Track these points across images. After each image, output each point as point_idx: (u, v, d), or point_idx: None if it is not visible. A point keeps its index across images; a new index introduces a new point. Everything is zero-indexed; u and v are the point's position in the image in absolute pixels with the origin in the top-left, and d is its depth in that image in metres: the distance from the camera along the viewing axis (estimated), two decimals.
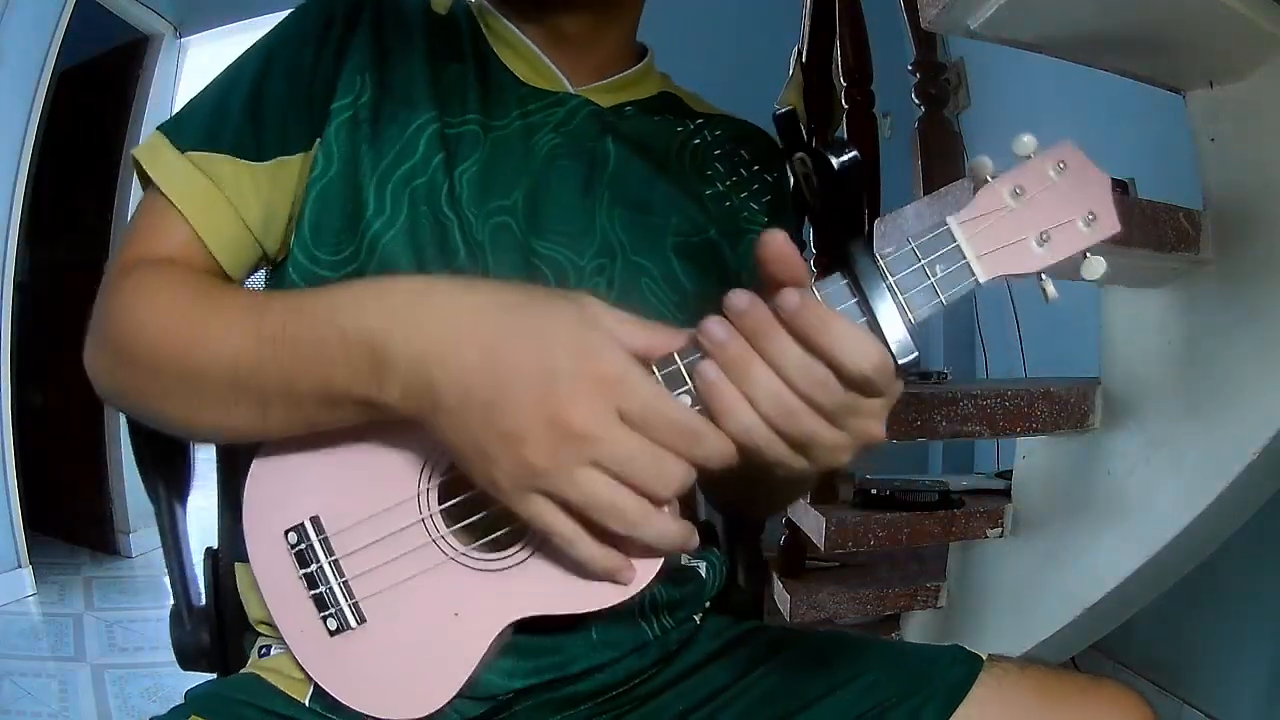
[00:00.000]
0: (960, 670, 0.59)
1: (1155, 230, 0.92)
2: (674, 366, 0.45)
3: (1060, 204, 0.45)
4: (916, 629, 1.44)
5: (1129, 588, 1.05)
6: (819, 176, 0.44)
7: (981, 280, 0.45)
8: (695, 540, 0.47)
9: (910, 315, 0.45)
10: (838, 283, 0.45)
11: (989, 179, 0.46)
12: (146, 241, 0.59)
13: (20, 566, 2.69)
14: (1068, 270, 0.46)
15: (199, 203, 0.58)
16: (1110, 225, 0.46)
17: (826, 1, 1.71)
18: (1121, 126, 1.86)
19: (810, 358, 0.42)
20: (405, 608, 0.53)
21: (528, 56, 0.66)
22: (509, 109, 0.64)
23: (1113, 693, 0.58)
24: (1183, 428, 0.97)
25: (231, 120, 0.59)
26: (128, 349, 0.54)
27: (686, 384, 0.45)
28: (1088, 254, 0.46)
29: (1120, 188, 1.11)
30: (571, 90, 0.66)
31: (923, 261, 0.45)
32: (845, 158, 0.43)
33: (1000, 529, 1.23)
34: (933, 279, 0.45)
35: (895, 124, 2.78)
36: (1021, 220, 0.45)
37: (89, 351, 0.56)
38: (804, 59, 1.92)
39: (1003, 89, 2.60)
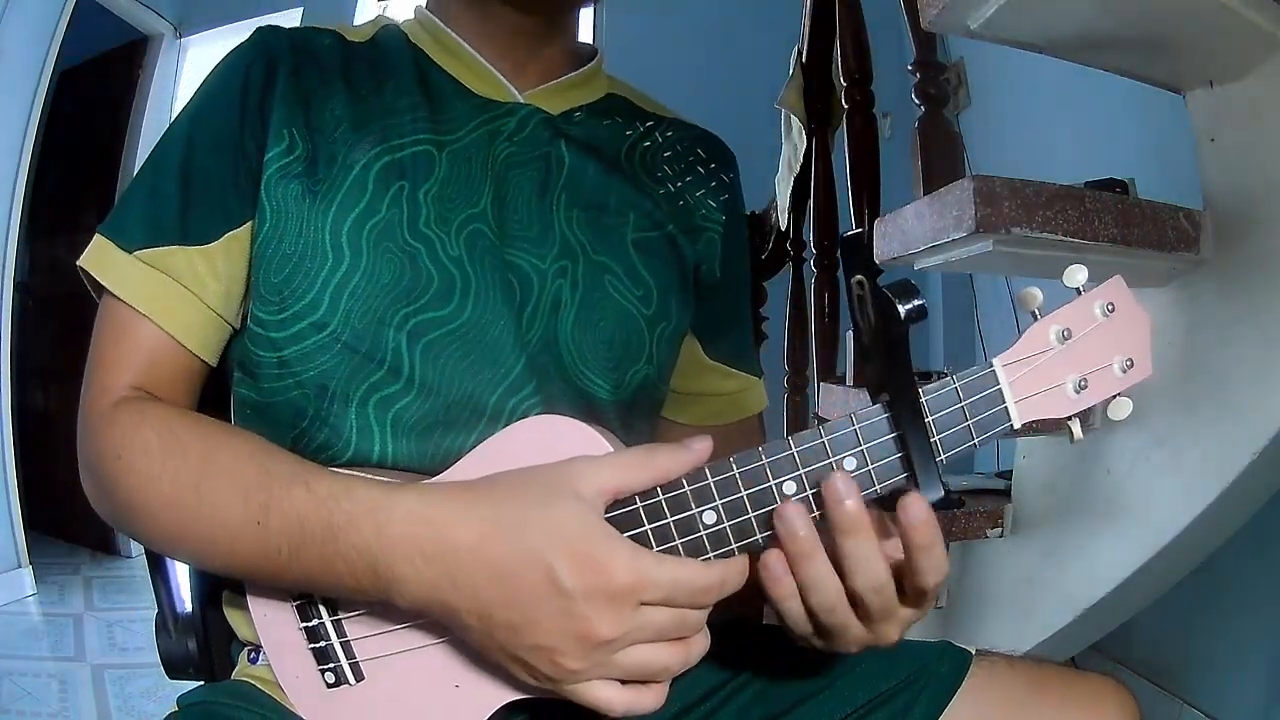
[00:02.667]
0: (950, 665, 0.60)
1: (1155, 230, 0.92)
2: (705, 483, 0.47)
3: (1102, 347, 0.45)
4: (916, 629, 1.43)
5: (1129, 588, 1.05)
6: (876, 310, 0.45)
7: (1016, 425, 0.46)
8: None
9: (942, 456, 0.45)
10: (878, 416, 0.46)
11: (1036, 313, 0.45)
12: (117, 358, 0.57)
13: (20, 566, 2.70)
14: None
15: (161, 301, 0.57)
16: (1145, 370, 0.45)
17: (826, 1, 1.71)
18: (1121, 126, 1.87)
19: (886, 568, 0.45)
20: (405, 674, 0.52)
21: (474, 66, 0.65)
22: (462, 122, 0.63)
23: (1098, 684, 0.59)
24: (1183, 428, 0.97)
25: (170, 210, 0.58)
26: (119, 516, 0.55)
27: (714, 500, 0.47)
28: (1117, 395, 0.46)
29: (1120, 188, 1.11)
30: (520, 99, 0.65)
31: (963, 402, 0.45)
32: (910, 306, 0.43)
33: (1000, 529, 1.23)
34: (970, 420, 0.45)
35: (895, 124, 2.79)
36: (1063, 363, 0.45)
37: (83, 481, 0.56)
38: (804, 59, 1.92)
39: (1003, 89, 2.60)
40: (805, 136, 1.92)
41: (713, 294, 0.72)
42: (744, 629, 0.68)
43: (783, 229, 2.11)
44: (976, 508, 1.24)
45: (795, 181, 1.98)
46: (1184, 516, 0.96)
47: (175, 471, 0.51)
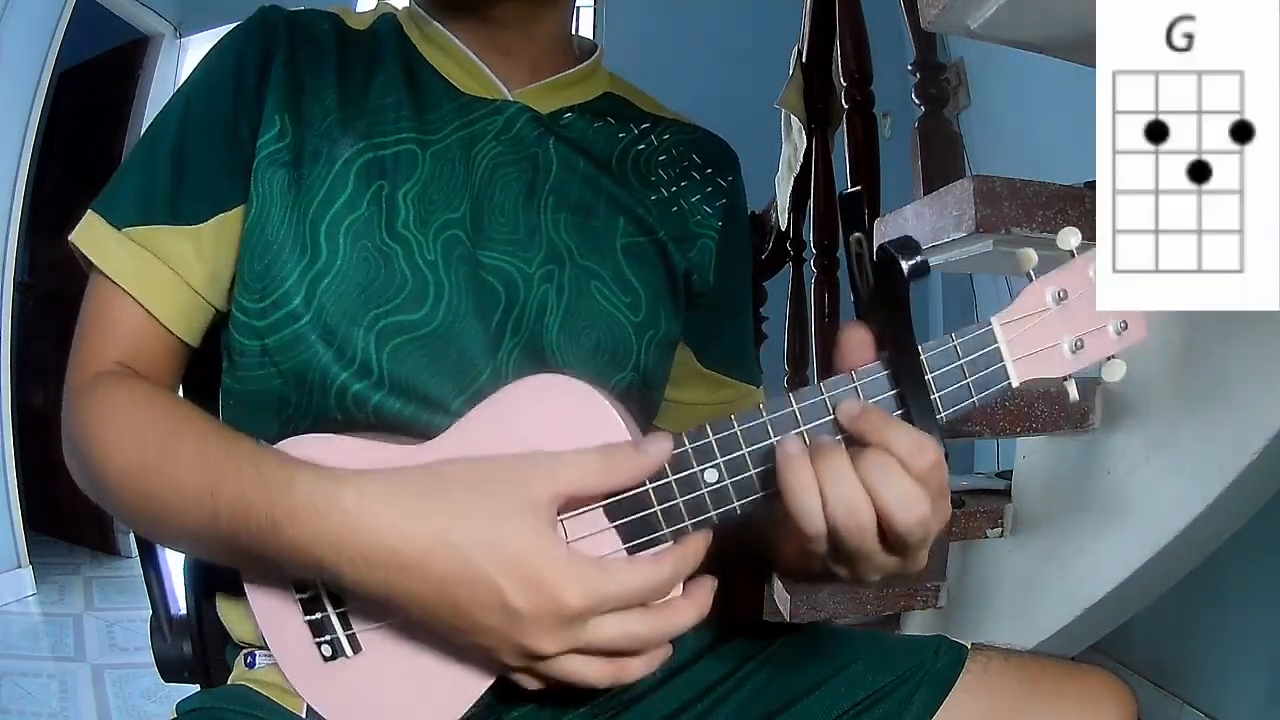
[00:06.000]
0: (947, 659, 0.60)
1: None
2: (706, 440, 0.47)
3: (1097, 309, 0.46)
4: (916, 629, 1.44)
5: (1129, 588, 1.05)
6: (876, 266, 0.45)
7: (1014, 384, 0.46)
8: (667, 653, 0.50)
9: (942, 414, 0.46)
10: (878, 373, 0.46)
11: (1031, 274, 0.46)
12: (101, 334, 0.58)
13: (20, 566, 2.70)
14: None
15: (144, 280, 0.58)
16: (1139, 333, 0.46)
17: (826, 1, 1.71)
18: None
19: (911, 483, 0.43)
20: (403, 646, 0.52)
21: (463, 62, 0.64)
22: (447, 121, 0.62)
23: (1095, 677, 0.60)
24: (1183, 428, 0.97)
25: (161, 189, 0.59)
26: (93, 485, 0.55)
27: (716, 458, 0.47)
28: (1112, 356, 0.46)
29: None
30: (509, 96, 0.64)
31: (962, 360, 0.46)
32: (913, 262, 0.43)
33: (1000, 529, 1.23)
34: (969, 378, 0.46)
35: (895, 124, 2.79)
36: (1059, 323, 0.46)
37: (65, 455, 0.57)
38: (804, 59, 1.92)
39: (1003, 89, 2.61)
40: (805, 136, 1.92)
41: (707, 301, 0.70)
42: (744, 625, 0.68)
43: (783, 229, 2.11)
44: (976, 508, 1.24)
45: (795, 181, 1.98)
46: (1184, 516, 0.96)
47: (143, 440, 0.52)
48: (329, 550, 0.45)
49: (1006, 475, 1.33)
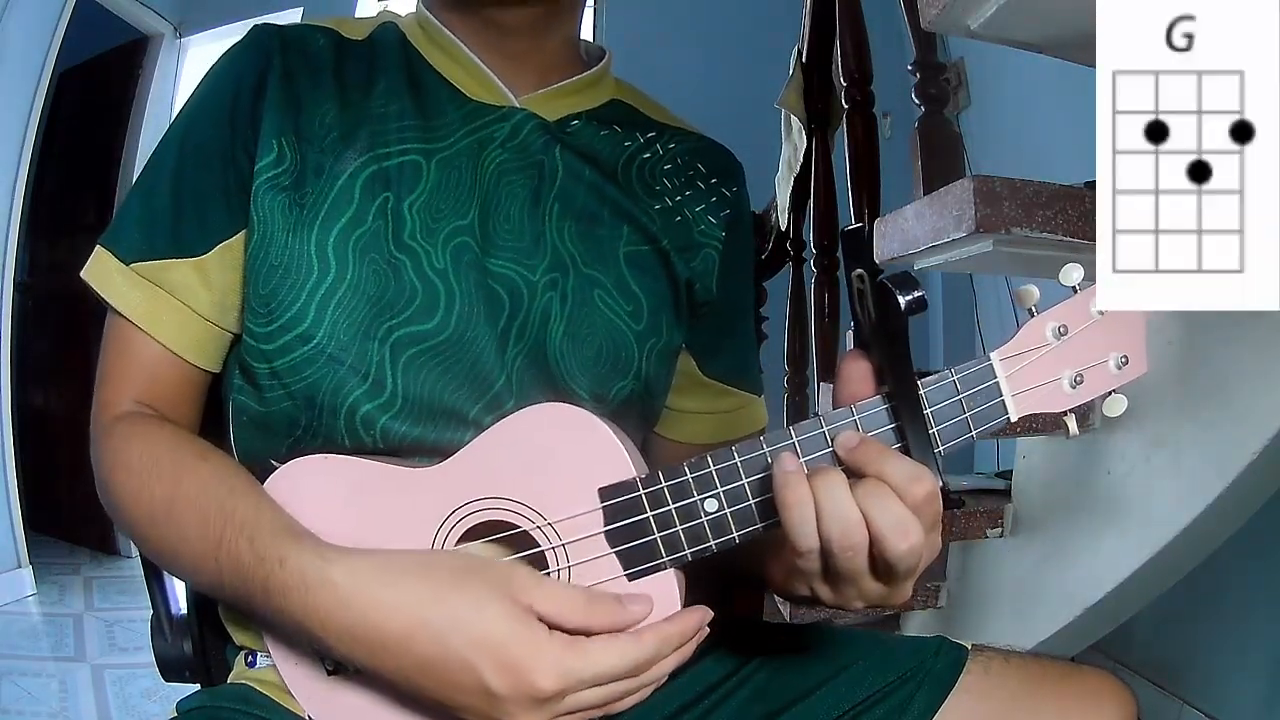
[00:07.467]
0: (947, 660, 0.60)
1: None
2: (706, 470, 0.48)
3: (1097, 343, 0.46)
4: (916, 629, 1.44)
5: (1129, 588, 1.05)
6: (876, 302, 0.46)
7: (1013, 419, 0.46)
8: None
9: (940, 448, 0.46)
10: (878, 407, 0.47)
11: (1033, 310, 0.46)
12: (120, 371, 0.60)
13: (20, 566, 2.70)
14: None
15: (154, 315, 0.59)
16: (1139, 368, 0.46)
17: (826, 1, 1.71)
18: None
19: (906, 511, 0.44)
20: None
21: (469, 67, 0.63)
22: (453, 128, 0.62)
23: (1095, 678, 0.60)
24: (1183, 428, 0.97)
25: (162, 223, 0.59)
26: (115, 520, 0.58)
27: (716, 488, 0.48)
28: (1112, 392, 0.47)
29: None
30: (515, 103, 0.64)
31: (961, 395, 0.46)
32: (911, 297, 0.44)
33: (1000, 529, 1.23)
34: (968, 413, 0.46)
35: (895, 124, 2.79)
36: (1059, 359, 0.46)
37: (95, 481, 0.59)
38: (804, 59, 1.92)
39: (1003, 89, 2.61)
40: (805, 136, 1.92)
41: (710, 310, 0.70)
42: (744, 627, 0.68)
43: (783, 229, 2.11)
44: (976, 508, 1.24)
45: (795, 181, 1.98)
46: (1184, 516, 0.96)
47: (151, 492, 0.54)
48: (318, 625, 0.47)
49: (1006, 475, 1.33)
